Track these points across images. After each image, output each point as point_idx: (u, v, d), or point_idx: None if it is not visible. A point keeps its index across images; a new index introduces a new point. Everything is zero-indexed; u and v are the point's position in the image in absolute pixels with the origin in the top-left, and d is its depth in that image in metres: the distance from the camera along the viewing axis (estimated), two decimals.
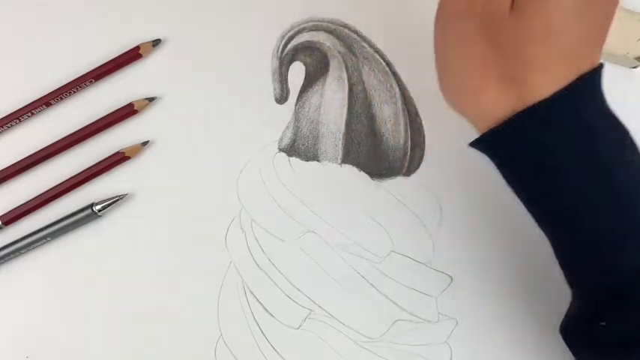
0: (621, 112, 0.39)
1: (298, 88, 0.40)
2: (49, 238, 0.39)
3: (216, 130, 0.40)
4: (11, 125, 0.40)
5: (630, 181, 0.27)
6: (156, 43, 0.40)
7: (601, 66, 0.27)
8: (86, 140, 0.40)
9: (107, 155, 0.39)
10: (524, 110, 0.26)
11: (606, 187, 0.26)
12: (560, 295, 0.38)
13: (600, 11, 0.26)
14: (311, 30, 0.40)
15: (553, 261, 0.38)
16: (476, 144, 0.28)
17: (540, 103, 0.25)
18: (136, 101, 0.40)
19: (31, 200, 0.39)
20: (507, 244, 0.38)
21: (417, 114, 0.40)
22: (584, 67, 0.26)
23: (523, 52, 0.25)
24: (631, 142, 0.28)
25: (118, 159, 0.39)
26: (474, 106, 0.28)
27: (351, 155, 0.39)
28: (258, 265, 0.38)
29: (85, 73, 0.40)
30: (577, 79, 0.26)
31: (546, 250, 0.38)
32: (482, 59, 0.27)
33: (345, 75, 0.40)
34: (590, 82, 0.26)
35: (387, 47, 0.40)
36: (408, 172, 0.39)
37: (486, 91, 0.27)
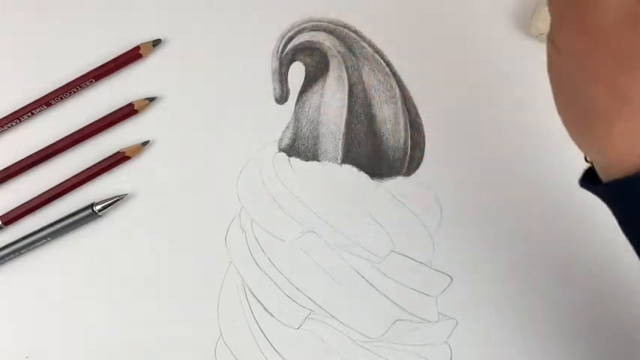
0: None
1: (298, 88, 0.40)
2: (49, 238, 0.39)
3: (216, 130, 0.40)
4: (11, 125, 0.40)
5: None
6: (156, 43, 0.40)
7: None
8: (86, 140, 0.40)
9: (107, 155, 0.39)
10: None
11: None
12: (559, 294, 0.38)
13: None
14: (311, 30, 0.40)
15: (551, 260, 0.38)
16: (596, 189, 0.24)
17: None
18: (136, 101, 0.40)
19: (31, 200, 0.39)
20: (507, 244, 0.38)
21: (417, 114, 0.40)
22: None
23: None
24: None
25: (118, 159, 0.39)
26: (605, 141, 0.23)
27: (351, 155, 0.39)
28: (258, 265, 0.38)
29: (85, 73, 0.40)
30: None
31: (545, 249, 0.38)
32: (611, 89, 0.22)
33: (345, 75, 0.40)
34: None
35: (387, 47, 0.40)
36: (408, 172, 0.39)
37: (616, 127, 0.22)
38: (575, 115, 0.24)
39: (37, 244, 0.39)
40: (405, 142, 0.39)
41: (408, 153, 0.39)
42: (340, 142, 0.39)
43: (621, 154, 0.22)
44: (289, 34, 0.40)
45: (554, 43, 0.23)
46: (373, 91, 0.40)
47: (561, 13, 0.23)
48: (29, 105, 0.40)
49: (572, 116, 0.24)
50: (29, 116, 0.40)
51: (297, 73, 0.40)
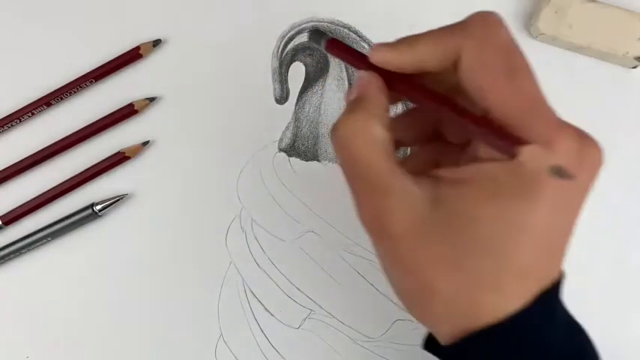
0: (621, 112, 0.40)
1: (298, 89, 0.40)
2: (49, 238, 0.39)
3: (216, 130, 0.40)
4: (11, 125, 0.40)
5: None
6: (156, 43, 0.40)
7: (562, 277, 0.23)
8: (86, 140, 0.40)
9: (107, 155, 0.39)
10: (475, 334, 0.22)
11: None
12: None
13: (565, 225, 0.23)
14: (311, 30, 0.40)
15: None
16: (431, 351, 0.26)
17: (493, 327, 0.22)
18: (136, 101, 0.40)
19: (31, 200, 0.39)
20: None
21: None
22: (544, 282, 0.23)
23: (474, 296, 0.22)
24: (591, 348, 0.24)
25: (118, 159, 0.39)
26: (428, 323, 0.25)
27: None
28: (258, 264, 0.39)
29: (85, 73, 0.40)
30: (535, 300, 0.22)
31: None
32: (408, 279, 0.24)
33: (345, 75, 0.40)
34: (549, 301, 0.23)
35: None
36: None
37: (431, 315, 0.24)
38: (400, 293, 0.25)
39: (37, 244, 0.39)
40: None
41: (408, 152, 0.39)
42: None
43: (443, 328, 0.24)
44: (289, 34, 0.40)
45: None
46: None
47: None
48: (29, 105, 0.40)
49: (398, 294, 0.25)
50: (29, 116, 0.40)
51: (297, 73, 0.40)
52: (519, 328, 0.22)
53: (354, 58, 0.27)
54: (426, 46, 0.24)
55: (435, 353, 0.25)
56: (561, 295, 0.23)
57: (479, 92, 0.23)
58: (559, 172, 0.21)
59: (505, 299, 0.22)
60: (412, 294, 0.24)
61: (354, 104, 0.24)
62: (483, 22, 0.23)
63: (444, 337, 0.24)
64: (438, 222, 0.22)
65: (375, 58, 0.25)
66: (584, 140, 0.23)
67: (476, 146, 0.24)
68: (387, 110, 0.24)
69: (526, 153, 0.22)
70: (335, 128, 0.24)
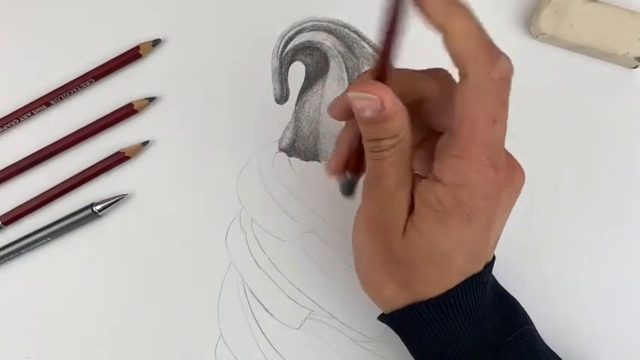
0: (621, 112, 0.40)
1: (298, 88, 0.40)
2: (49, 238, 0.39)
3: (216, 129, 0.40)
4: (11, 125, 0.40)
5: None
6: (156, 43, 0.40)
7: (492, 260, 0.31)
8: (86, 140, 0.40)
9: (107, 155, 0.39)
10: (417, 305, 0.29)
11: None
12: (557, 291, 0.38)
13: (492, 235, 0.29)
14: (311, 30, 0.40)
15: (547, 260, 0.38)
16: (381, 319, 0.33)
17: (430, 301, 0.29)
18: (136, 101, 0.40)
19: (31, 200, 0.39)
20: (506, 243, 0.38)
21: None
22: (476, 270, 0.29)
23: (419, 270, 0.29)
24: (518, 314, 0.32)
25: (118, 159, 0.39)
26: (376, 296, 0.32)
27: None
28: (258, 265, 0.38)
29: (84, 73, 0.40)
30: (467, 279, 0.29)
31: (543, 247, 0.38)
32: (383, 266, 0.30)
33: (345, 75, 0.40)
34: (478, 279, 0.29)
35: None
36: None
37: (386, 288, 0.30)
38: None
39: (37, 244, 0.39)
40: None
41: None
42: None
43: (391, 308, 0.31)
44: (289, 34, 0.40)
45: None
46: None
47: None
48: (29, 105, 0.40)
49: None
50: (29, 116, 0.40)
51: (297, 73, 0.40)
52: (452, 299, 0.29)
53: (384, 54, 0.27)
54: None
55: (385, 322, 0.32)
56: (484, 279, 0.29)
57: (459, 121, 0.26)
58: None
59: (432, 287, 0.29)
60: (375, 275, 0.31)
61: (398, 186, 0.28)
62: (501, 65, 0.26)
63: (383, 306, 0.32)
64: (411, 229, 0.28)
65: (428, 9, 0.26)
66: (512, 167, 0.29)
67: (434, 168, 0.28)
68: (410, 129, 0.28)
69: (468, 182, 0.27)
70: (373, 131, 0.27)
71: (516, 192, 0.29)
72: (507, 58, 0.26)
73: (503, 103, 0.27)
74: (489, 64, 0.25)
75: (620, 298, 0.38)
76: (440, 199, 0.27)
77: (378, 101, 0.26)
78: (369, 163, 0.28)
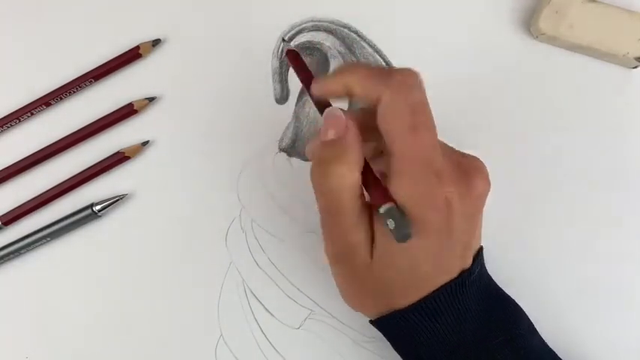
0: (621, 112, 0.40)
1: (299, 89, 0.40)
2: (49, 238, 0.39)
3: (216, 130, 0.40)
4: (11, 125, 0.40)
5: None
6: (156, 43, 0.40)
7: (473, 266, 0.30)
8: (86, 140, 0.40)
9: (107, 155, 0.39)
10: (397, 312, 0.30)
11: None
12: (557, 290, 0.38)
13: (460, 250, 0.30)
14: (311, 30, 0.40)
15: (545, 259, 0.38)
16: (371, 323, 0.33)
17: (404, 310, 0.30)
18: (136, 101, 0.40)
19: (31, 200, 0.39)
20: (505, 242, 0.38)
21: None
22: (449, 277, 0.29)
23: (392, 287, 0.30)
24: (508, 318, 0.31)
25: (118, 159, 0.39)
26: (361, 312, 0.33)
27: None
28: (258, 264, 0.39)
29: (84, 73, 0.40)
30: (442, 286, 0.29)
31: (542, 248, 0.38)
32: (359, 291, 0.31)
33: None
34: (454, 285, 0.29)
35: (387, 47, 0.40)
36: None
37: (366, 307, 0.32)
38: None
39: (37, 244, 0.39)
40: None
41: None
42: None
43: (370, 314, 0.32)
44: (289, 35, 0.40)
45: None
46: None
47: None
48: (29, 105, 0.40)
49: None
50: (29, 116, 0.40)
51: None
52: (419, 309, 0.29)
53: (305, 77, 0.32)
54: (354, 78, 0.29)
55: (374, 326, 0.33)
56: (462, 285, 0.29)
57: (386, 136, 0.28)
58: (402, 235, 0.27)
59: (413, 292, 0.29)
60: (353, 299, 0.32)
61: (333, 150, 0.28)
62: (402, 78, 0.28)
63: (370, 312, 0.32)
64: (375, 251, 0.29)
65: (315, 91, 0.30)
66: (467, 172, 0.29)
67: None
68: (362, 156, 0.29)
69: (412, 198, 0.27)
70: (318, 174, 0.29)
71: (477, 197, 0.29)
72: (402, 71, 0.28)
73: (421, 106, 0.28)
74: (384, 87, 0.28)
75: (620, 297, 0.38)
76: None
77: (344, 122, 0.29)
78: (321, 202, 0.29)
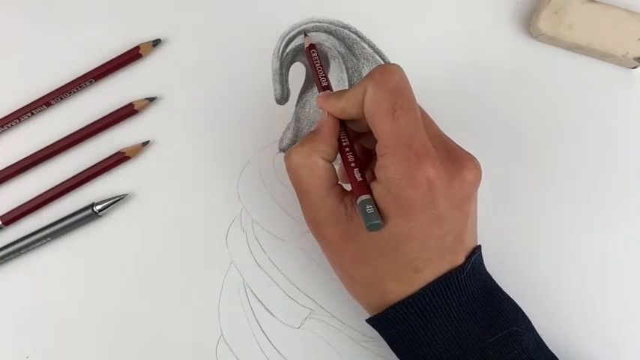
0: (621, 112, 0.40)
1: (299, 89, 0.40)
2: (49, 238, 0.39)
3: (216, 130, 0.40)
4: (11, 125, 0.40)
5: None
6: (156, 43, 0.40)
7: (465, 263, 0.30)
8: (86, 140, 0.40)
9: (107, 155, 0.39)
10: (385, 311, 0.31)
11: None
12: (558, 289, 0.38)
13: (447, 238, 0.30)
14: (311, 31, 0.40)
15: (545, 260, 0.39)
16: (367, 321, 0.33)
17: (396, 307, 0.30)
18: (136, 101, 0.40)
19: (31, 200, 0.39)
20: (503, 241, 0.38)
21: None
22: (441, 271, 0.30)
23: (380, 279, 0.30)
24: (505, 314, 0.31)
25: (118, 159, 0.39)
26: (359, 302, 0.33)
27: None
28: (258, 264, 0.39)
29: (85, 73, 0.40)
30: (434, 280, 0.30)
31: (542, 247, 0.38)
32: (352, 288, 0.33)
33: (345, 76, 0.40)
34: (447, 280, 0.30)
35: (387, 48, 0.40)
36: None
37: (362, 298, 0.33)
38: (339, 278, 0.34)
39: (37, 244, 0.39)
40: None
41: None
42: None
43: (364, 304, 0.33)
44: (290, 35, 0.40)
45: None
46: None
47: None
48: (29, 105, 0.40)
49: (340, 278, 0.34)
50: (29, 116, 0.40)
51: (297, 73, 0.40)
52: (409, 306, 0.30)
53: (318, 78, 0.35)
54: (348, 100, 0.31)
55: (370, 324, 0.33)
56: (450, 285, 0.30)
57: (371, 123, 0.30)
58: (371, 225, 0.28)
59: (403, 285, 0.30)
60: (343, 280, 0.33)
61: (308, 137, 0.32)
62: (382, 69, 0.30)
63: (368, 310, 0.33)
64: (355, 232, 0.30)
65: (320, 103, 0.33)
66: (456, 157, 0.30)
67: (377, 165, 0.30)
68: (334, 147, 0.31)
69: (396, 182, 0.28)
70: (288, 153, 0.32)
71: (465, 184, 0.29)
72: (383, 65, 0.30)
73: (399, 91, 0.29)
74: (368, 80, 0.29)
75: (619, 297, 0.38)
76: (379, 197, 0.29)
77: (325, 114, 0.32)
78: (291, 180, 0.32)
